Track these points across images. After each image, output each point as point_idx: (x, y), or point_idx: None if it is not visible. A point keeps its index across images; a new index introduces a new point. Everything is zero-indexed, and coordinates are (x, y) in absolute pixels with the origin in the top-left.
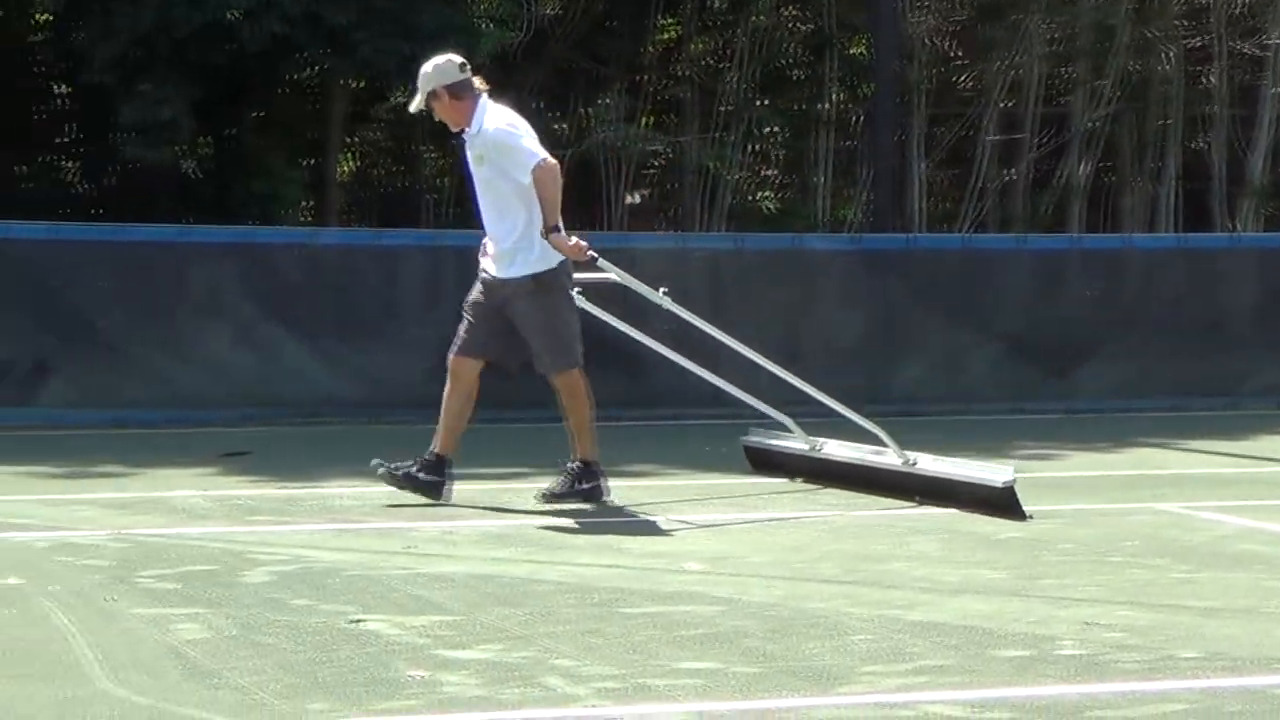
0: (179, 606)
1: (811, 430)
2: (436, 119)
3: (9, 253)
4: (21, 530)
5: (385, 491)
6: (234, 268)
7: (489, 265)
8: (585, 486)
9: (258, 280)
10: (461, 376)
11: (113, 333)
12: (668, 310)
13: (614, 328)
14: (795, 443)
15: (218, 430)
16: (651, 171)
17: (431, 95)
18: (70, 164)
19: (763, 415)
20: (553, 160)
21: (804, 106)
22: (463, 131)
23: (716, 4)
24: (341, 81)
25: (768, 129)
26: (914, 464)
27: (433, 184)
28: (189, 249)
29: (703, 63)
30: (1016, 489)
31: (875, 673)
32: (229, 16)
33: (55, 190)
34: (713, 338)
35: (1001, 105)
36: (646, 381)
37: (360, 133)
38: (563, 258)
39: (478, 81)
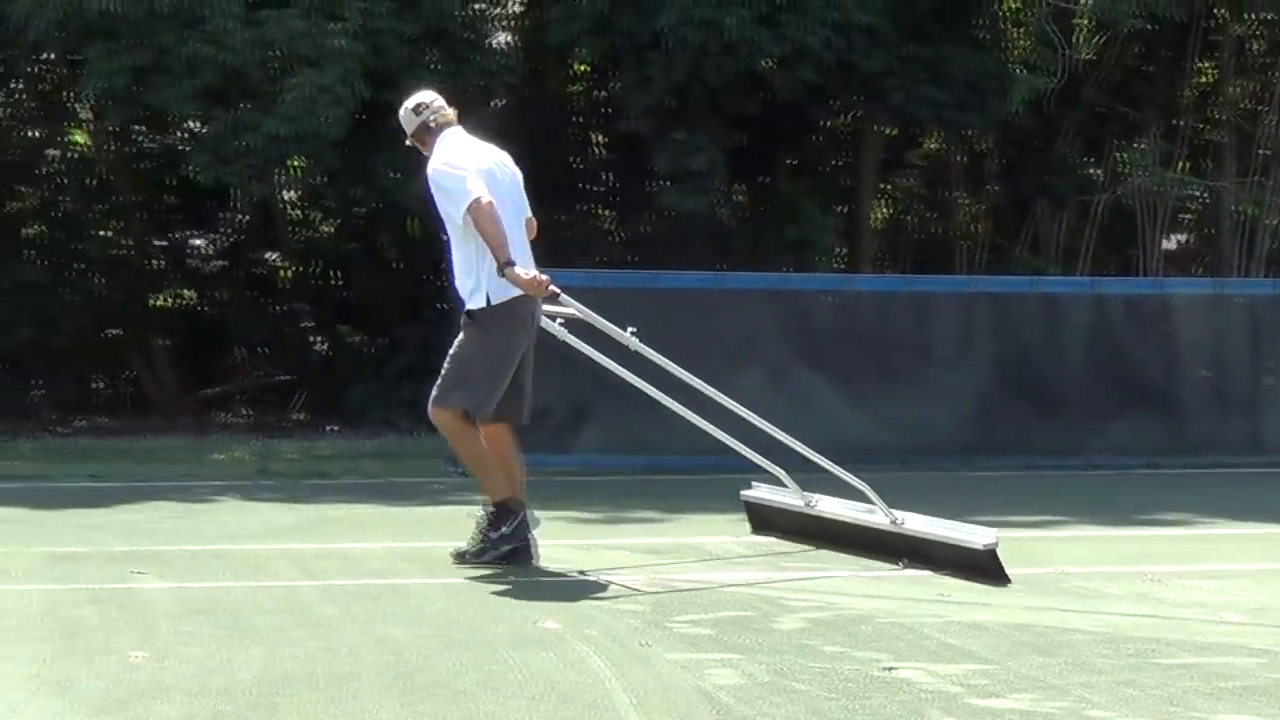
0: (713, 652)
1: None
2: None
3: None
4: (558, 574)
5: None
6: (767, 314)
7: None
8: (504, 529)
9: (791, 326)
10: (490, 438)
11: (646, 379)
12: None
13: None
14: (790, 499)
15: (750, 476)
16: (1188, 216)
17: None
18: (607, 212)
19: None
20: (487, 199)
21: None
22: None
23: (1255, 46)
24: (874, 128)
25: None
26: (901, 524)
27: (966, 230)
28: (723, 296)
29: (1241, 106)
30: (998, 552)
31: None
32: (762, 65)
33: (592, 238)
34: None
35: None
36: (1184, 428)
37: (893, 179)
38: (505, 299)
39: (441, 115)
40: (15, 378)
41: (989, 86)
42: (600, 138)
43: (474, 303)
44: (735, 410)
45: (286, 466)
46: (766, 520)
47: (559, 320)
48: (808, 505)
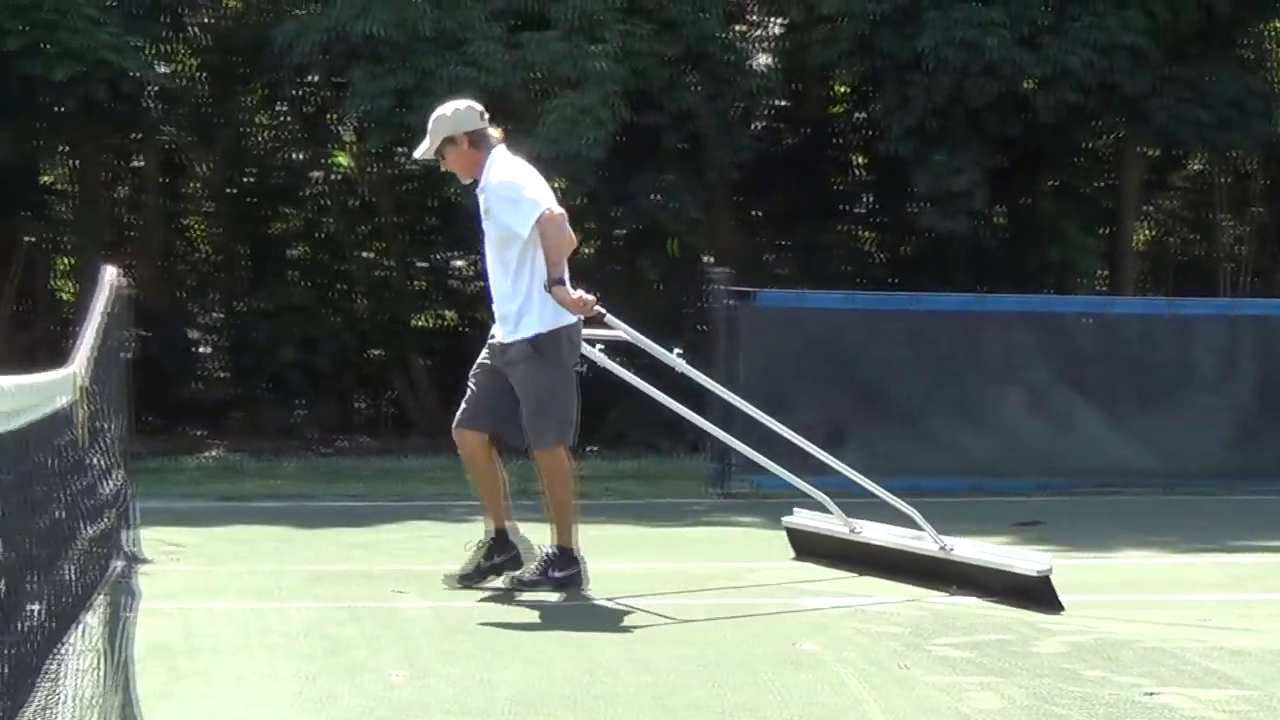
0: (972, 675)
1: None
2: (443, 169)
3: (807, 321)
4: (816, 596)
5: (1171, 562)
6: (1028, 336)
7: (496, 328)
8: (559, 575)
9: (1052, 349)
10: (468, 450)
11: (906, 400)
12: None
13: None
14: (835, 525)
15: (1010, 499)
16: None
17: (448, 141)
18: (867, 234)
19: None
20: (559, 210)
21: None
22: (475, 183)
23: None
24: (1137, 149)
25: None
26: (951, 550)
27: (1231, 252)
28: (983, 318)
29: None
30: (1052, 579)
31: None
32: (1023, 86)
33: (852, 260)
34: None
35: None
36: None
37: (1156, 200)
38: (563, 324)
39: (495, 132)
40: (279, 398)
41: (1254, 107)
42: (860, 159)
43: (526, 330)
44: (787, 435)
45: None
46: (810, 546)
47: (599, 346)
48: (852, 531)
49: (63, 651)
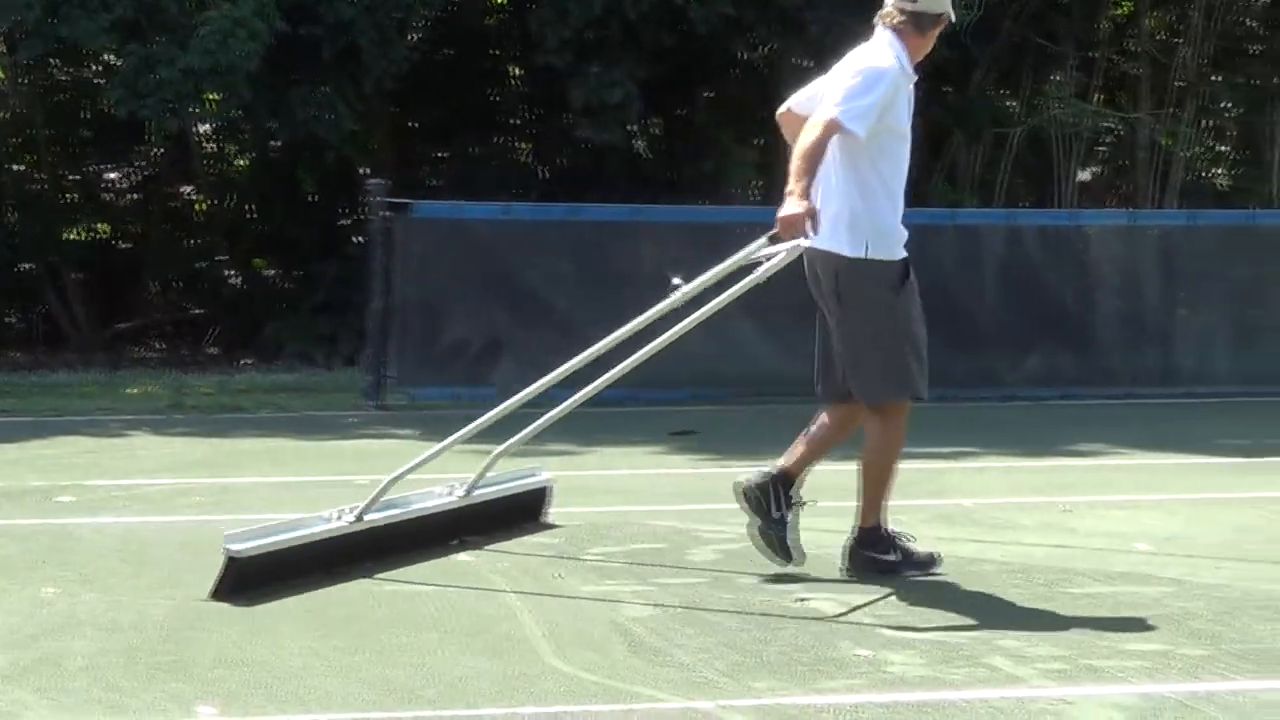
0: (626, 584)
1: None
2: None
3: (465, 233)
4: None
5: (826, 468)
6: (685, 247)
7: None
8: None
9: (709, 260)
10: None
11: (565, 312)
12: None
13: None
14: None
15: (665, 409)
16: (1103, 149)
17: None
18: (524, 145)
19: None
20: None
21: (1259, 81)
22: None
23: None
24: (792, 61)
25: (1222, 104)
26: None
27: None
28: (640, 229)
29: (1156, 38)
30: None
31: None
32: None
33: (509, 171)
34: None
35: None
36: (1098, 359)
37: None
38: None
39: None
40: None
41: None
42: (517, 71)
43: None
44: None
45: (201, 400)
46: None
47: None
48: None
49: None
